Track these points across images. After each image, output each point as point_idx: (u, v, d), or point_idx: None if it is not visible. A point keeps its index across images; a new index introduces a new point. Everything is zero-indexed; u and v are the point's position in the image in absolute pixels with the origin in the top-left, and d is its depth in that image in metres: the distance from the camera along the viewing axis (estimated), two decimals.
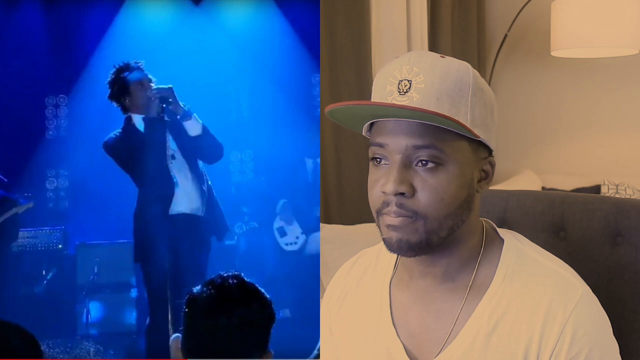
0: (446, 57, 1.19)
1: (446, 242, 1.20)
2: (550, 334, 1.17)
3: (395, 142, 1.16)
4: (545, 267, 1.23)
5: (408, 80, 1.15)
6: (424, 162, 1.16)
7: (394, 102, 1.15)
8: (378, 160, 1.19)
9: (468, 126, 1.15)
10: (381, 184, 1.18)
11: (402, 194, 1.16)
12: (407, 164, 1.16)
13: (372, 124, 1.22)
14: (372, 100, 1.21)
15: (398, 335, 1.29)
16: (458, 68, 1.17)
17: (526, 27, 4.22)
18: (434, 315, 1.26)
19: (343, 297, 1.40)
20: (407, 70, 1.16)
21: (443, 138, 1.15)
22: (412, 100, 1.14)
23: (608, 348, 1.21)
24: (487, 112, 1.19)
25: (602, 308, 1.22)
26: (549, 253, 1.28)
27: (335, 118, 1.23)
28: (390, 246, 1.20)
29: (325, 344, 1.46)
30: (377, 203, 1.19)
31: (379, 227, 1.22)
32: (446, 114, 1.13)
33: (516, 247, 1.26)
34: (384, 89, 1.18)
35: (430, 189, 1.16)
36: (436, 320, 1.26)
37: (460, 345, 1.22)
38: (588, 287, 1.22)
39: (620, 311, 1.33)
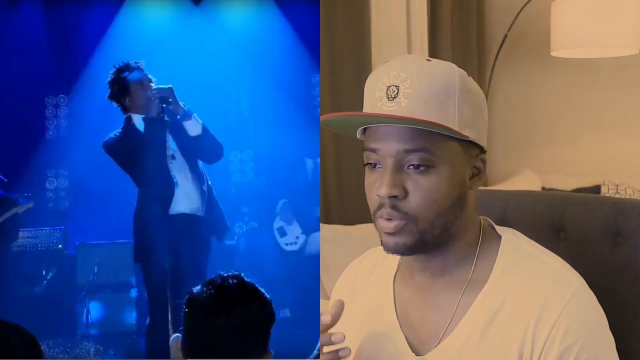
0: (432, 60, 1.23)
1: (441, 239, 1.25)
2: (545, 324, 1.19)
3: (387, 147, 1.21)
4: (542, 262, 1.27)
5: (396, 86, 1.20)
6: (415, 165, 1.20)
7: (383, 107, 1.20)
8: (372, 164, 1.24)
9: (456, 129, 1.19)
10: (376, 188, 1.22)
11: (395, 196, 1.20)
12: (399, 167, 1.21)
13: (365, 129, 1.27)
14: (364, 105, 1.26)
15: (401, 327, 1.32)
16: (444, 71, 1.22)
17: (526, 27, 4.22)
18: (433, 308, 1.30)
19: (352, 292, 1.44)
20: (395, 76, 1.21)
21: (433, 140, 1.19)
22: (401, 105, 1.19)
23: (602, 342, 1.22)
24: (475, 112, 1.23)
25: (597, 303, 1.24)
26: (545, 249, 1.31)
27: (330, 127, 1.30)
28: (388, 249, 1.25)
29: None
30: (374, 205, 1.24)
31: (377, 229, 1.27)
32: (434, 120, 1.17)
33: (513, 243, 1.30)
34: (373, 95, 1.23)
35: (422, 191, 1.21)
36: (435, 313, 1.29)
37: (457, 338, 1.25)
38: (584, 281, 1.24)
39: (620, 311, 1.33)
